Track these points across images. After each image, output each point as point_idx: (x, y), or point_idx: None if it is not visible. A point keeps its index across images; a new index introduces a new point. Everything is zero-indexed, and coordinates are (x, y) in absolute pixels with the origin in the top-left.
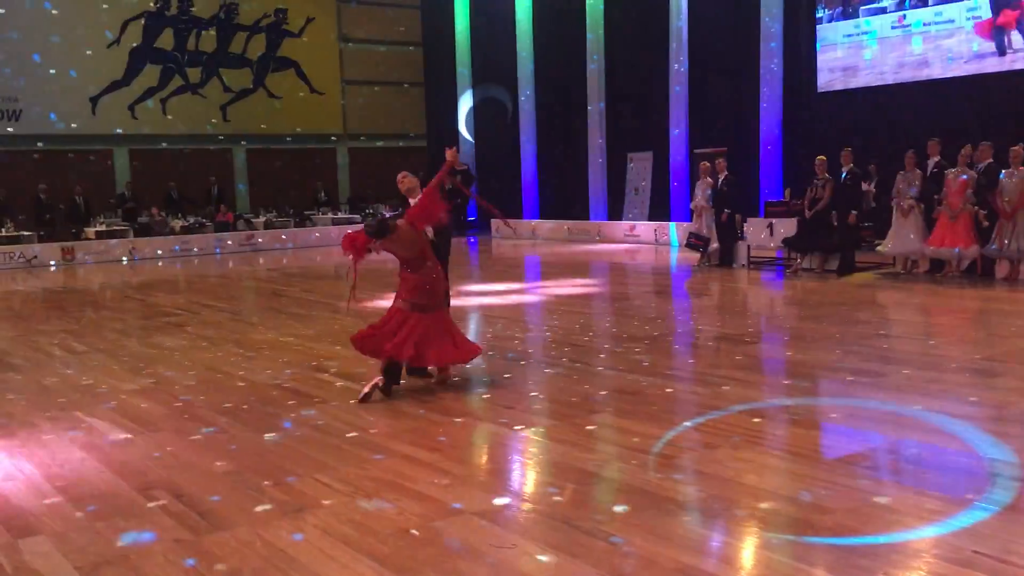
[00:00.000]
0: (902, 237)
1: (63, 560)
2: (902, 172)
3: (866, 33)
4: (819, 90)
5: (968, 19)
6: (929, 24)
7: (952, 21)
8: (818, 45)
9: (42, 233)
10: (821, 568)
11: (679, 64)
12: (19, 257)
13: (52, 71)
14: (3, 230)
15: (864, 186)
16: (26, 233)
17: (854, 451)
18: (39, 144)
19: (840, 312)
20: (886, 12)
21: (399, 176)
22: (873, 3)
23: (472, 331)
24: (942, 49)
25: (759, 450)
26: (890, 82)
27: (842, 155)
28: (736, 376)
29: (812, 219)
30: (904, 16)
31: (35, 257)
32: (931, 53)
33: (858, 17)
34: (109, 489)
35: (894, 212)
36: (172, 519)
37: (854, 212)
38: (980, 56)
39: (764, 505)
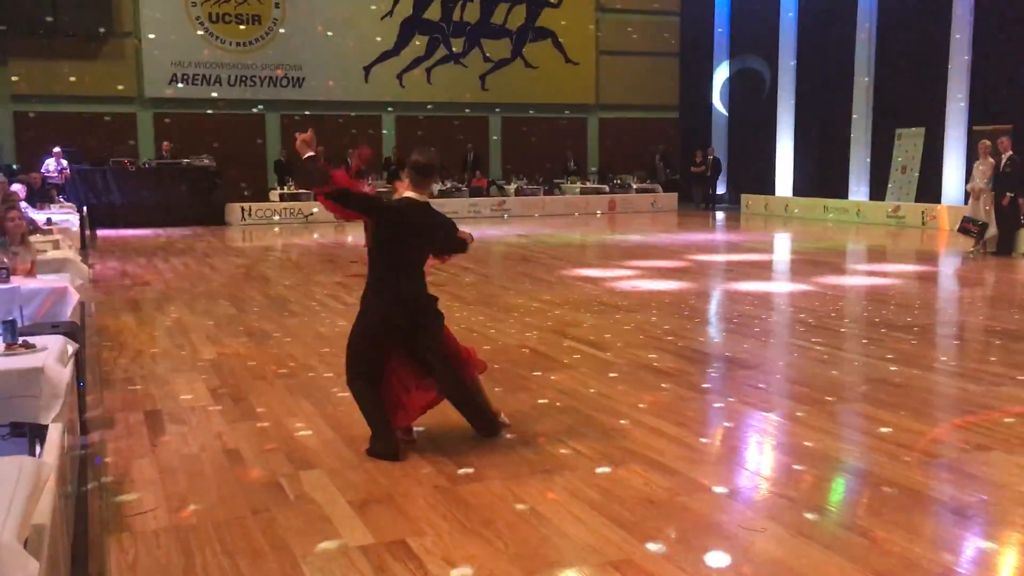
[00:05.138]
0: None
1: (337, 493)
2: None
3: None
4: None
5: None
6: None
7: None
8: None
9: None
10: None
11: (963, 31)
12: (299, 213)
13: (332, 41)
14: (286, 188)
15: None
16: (304, 191)
17: None
18: (318, 110)
19: None
20: None
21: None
22: None
23: (716, 312)
24: None
25: None
26: None
27: None
28: (1014, 375)
29: None
30: None
31: (312, 213)
32: None
33: None
34: None
35: None
36: (431, 467)
37: None
38: None
39: None
